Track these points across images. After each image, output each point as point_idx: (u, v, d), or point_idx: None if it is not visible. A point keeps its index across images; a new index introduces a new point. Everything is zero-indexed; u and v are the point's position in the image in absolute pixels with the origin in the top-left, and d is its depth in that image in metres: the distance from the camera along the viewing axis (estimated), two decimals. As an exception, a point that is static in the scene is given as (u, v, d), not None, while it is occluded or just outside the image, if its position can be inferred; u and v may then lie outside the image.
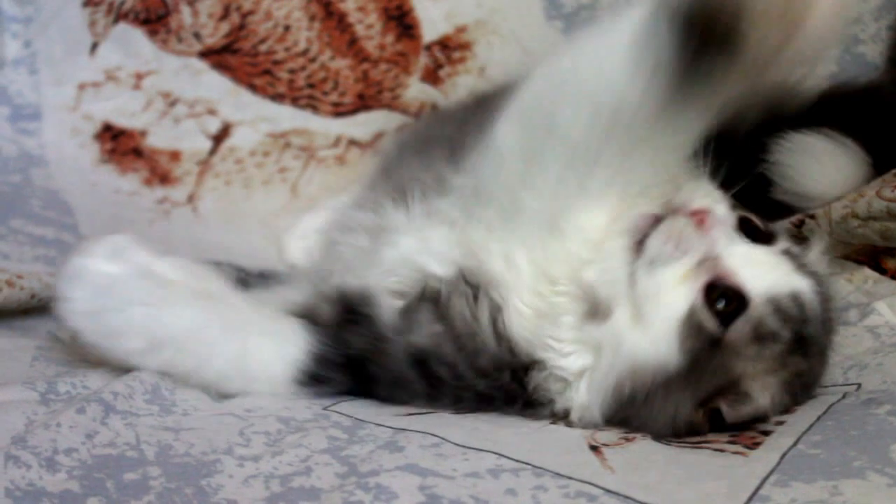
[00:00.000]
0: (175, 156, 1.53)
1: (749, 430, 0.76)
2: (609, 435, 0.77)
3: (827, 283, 0.82)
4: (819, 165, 1.09)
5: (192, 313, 0.82)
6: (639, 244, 0.79)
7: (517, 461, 0.71)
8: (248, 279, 1.01)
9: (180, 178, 1.52)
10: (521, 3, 1.46)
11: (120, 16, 1.54)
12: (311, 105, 1.52)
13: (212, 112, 1.53)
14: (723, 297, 0.75)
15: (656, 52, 0.69)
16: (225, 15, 1.53)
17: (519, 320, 0.81)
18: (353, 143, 1.52)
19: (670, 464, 0.71)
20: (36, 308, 1.07)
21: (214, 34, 1.54)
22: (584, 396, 0.80)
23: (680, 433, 0.76)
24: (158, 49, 1.54)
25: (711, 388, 0.75)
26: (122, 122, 1.54)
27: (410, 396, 0.84)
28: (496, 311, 0.82)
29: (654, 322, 0.75)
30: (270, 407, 0.82)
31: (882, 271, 1.07)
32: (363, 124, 1.52)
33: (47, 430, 0.72)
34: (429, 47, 1.50)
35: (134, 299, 0.81)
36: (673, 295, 0.76)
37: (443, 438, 0.75)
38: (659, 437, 0.77)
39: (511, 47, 1.47)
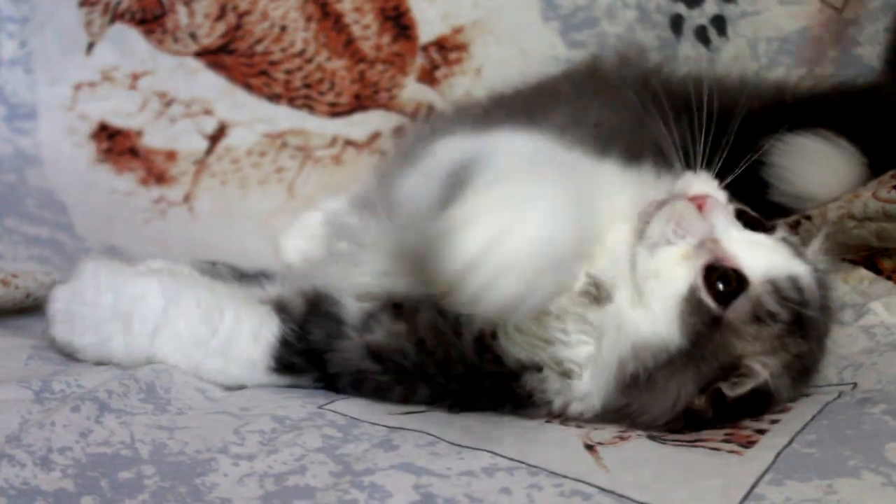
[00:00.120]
0: (171, 155, 1.53)
1: (750, 415, 0.77)
2: (604, 434, 0.77)
3: (825, 274, 0.83)
4: (815, 167, 1.09)
5: (162, 288, 0.87)
6: (641, 230, 0.80)
7: (512, 460, 0.71)
8: (249, 279, 1.01)
9: (176, 177, 1.52)
10: (518, 4, 1.46)
11: (116, 16, 1.54)
12: (308, 105, 1.52)
13: (208, 112, 1.53)
14: (722, 278, 0.76)
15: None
16: (221, 15, 1.53)
17: (514, 332, 0.80)
18: (349, 143, 1.52)
19: (665, 462, 0.71)
20: (31, 307, 1.07)
21: (211, 34, 1.54)
22: (587, 385, 0.80)
23: (681, 421, 0.76)
24: (155, 49, 1.54)
25: (712, 369, 0.75)
26: (118, 121, 1.54)
27: (374, 389, 0.85)
28: (486, 328, 0.81)
29: (654, 301, 0.77)
30: (265, 406, 0.82)
31: (878, 272, 1.07)
32: (359, 125, 1.52)
33: (42, 429, 0.72)
34: (425, 48, 1.50)
35: (103, 287, 0.86)
36: (673, 274, 0.77)
37: (437, 437, 0.75)
38: (659, 424, 0.77)
39: (508, 48, 1.47)
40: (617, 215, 0.82)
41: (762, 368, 0.75)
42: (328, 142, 1.52)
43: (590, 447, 0.74)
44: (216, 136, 1.53)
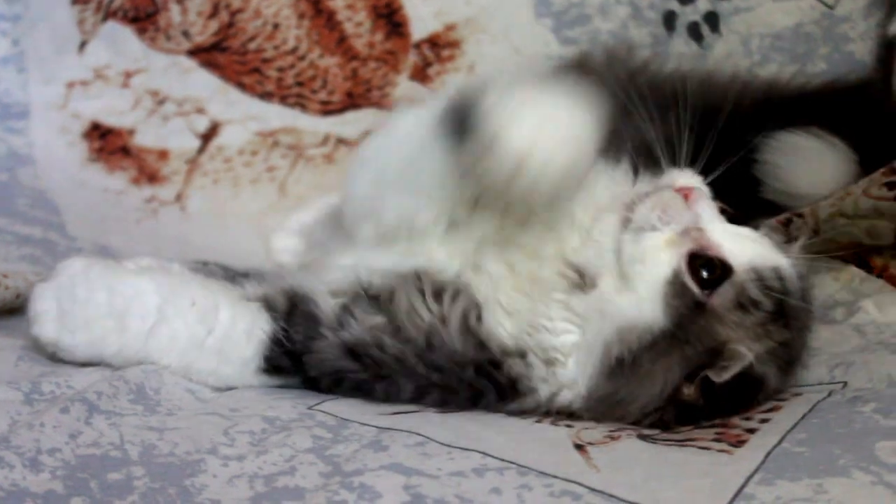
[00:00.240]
0: (163, 154, 1.53)
1: (741, 403, 0.77)
2: (594, 433, 0.77)
3: (806, 274, 0.84)
4: (807, 164, 1.09)
5: (157, 285, 0.86)
6: (627, 219, 0.81)
7: (502, 460, 0.71)
8: (235, 278, 1.01)
9: (168, 176, 1.52)
10: (510, 1, 1.46)
11: (109, 14, 1.54)
12: (300, 103, 1.52)
13: (200, 111, 1.53)
14: (706, 266, 0.77)
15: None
16: (214, 13, 1.53)
17: (502, 315, 0.82)
18: (341, 141, 1.51)
19: (655, 462, 0.71)
20: (21, 307, 1.06)
21: (203, 32, 1.53)
22: (572, 372, 0.80)
23: (672, 412, 0.77)
24: (147, 47, 1.54)
25: (697, 353, 0.76)
26: (110, 120, 1.53)
27: (354, 389, 0.85)
28: (471, 309, 0.82)
29: (639, 284, 0.78)
30: (255, 406, 0.82)
31: (869, 269, 1.07)
32: (352, 123, 1.52)
33: (31, 430, 0.72)
34: (418, 45, 1.50)
35: (96, 285, 0.85)
36: (658, 259, 0.78)
37: (427, 438, 0.75)
38: (649, 413, 0.77)
39: (501, 45, 1.47)
40: (600, 208, 0.84)
41: (747, 351, 0.75)
42: (320, 140, 1.52)
43: (580, 447, 0.74)
44: (208, 135, 1.53)
